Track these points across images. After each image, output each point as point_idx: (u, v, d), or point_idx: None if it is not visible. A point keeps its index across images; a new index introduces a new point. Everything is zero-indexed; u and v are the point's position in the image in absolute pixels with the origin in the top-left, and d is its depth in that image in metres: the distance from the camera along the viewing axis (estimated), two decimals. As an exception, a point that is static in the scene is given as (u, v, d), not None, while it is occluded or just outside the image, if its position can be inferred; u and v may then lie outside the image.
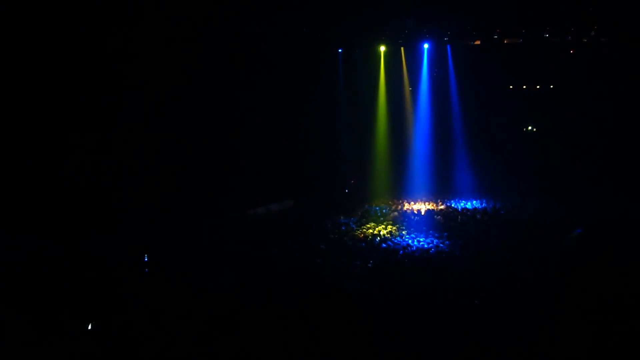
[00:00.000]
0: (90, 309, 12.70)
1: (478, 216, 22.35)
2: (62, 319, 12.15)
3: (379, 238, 19.63)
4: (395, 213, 23.44)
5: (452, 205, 24.66)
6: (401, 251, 17.93)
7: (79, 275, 14.58)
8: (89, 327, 11.69)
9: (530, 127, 28.96)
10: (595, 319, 11.67)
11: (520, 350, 10.85)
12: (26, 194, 16.68)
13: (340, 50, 27.43)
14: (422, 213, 23.35)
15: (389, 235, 20.09)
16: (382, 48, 27.37)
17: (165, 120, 20.45)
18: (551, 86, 28.03)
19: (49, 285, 13.80)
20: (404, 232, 20.50)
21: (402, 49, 27.67)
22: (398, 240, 19.36)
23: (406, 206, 24.93)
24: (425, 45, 26.77)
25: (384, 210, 23.97)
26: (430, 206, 24.73)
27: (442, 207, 24.56)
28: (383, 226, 21.32)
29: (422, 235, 19.93)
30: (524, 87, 28.48)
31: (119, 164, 19.10)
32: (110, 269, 15.22)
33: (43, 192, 16.95)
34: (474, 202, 25.05)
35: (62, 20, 17.03)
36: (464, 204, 24.74)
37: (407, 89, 28.83)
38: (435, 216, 22.59)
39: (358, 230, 21.00)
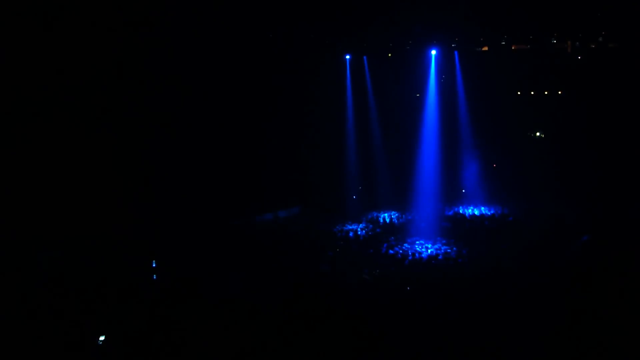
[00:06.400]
0: (97, 314, 12.82)
1: (486, 222, 22.27)
2: (68, 324, 12.26)
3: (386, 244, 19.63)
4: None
5: (460, 212, 24.59)
6: (409, 257, 17.91)
7: (86, 280, 14.74)
8: (100, 341, 11.76)
9: (538, 133, 28.85)
10: (601, 323, 11.66)
11: (526, 353, 10.89)
12: (29, 195, 16.86)
13: (348, 57, 27.51)
14: (430, 219, 23.29)
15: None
16: (390, 54, 27.43)
17: (173, 126, 20.59)
18: (559, 92, 27.92)
19: (53, 288, 13.96)
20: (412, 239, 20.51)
21: (409, 55, 27.68)
22: (406, 247, 19.35)
23: (414, 213, 24.89)
24: (433, 52, 26.78)
25: (392, 216, 23.99)
26: (439, 212, 24.65)
27: (450, 213, 24.49)
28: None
29: (429, 242, 19.91)
30: (532, 92, 28.39)
31: (127, 168, 19.24)
32: (118, 274, 15.35)
33: (46, 194, 17.09)
34: (482, 208, 24.98)
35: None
36: (472, 211, 24.67)
37: (415, 95, 28.81)
38: (443, 223, 22.54)
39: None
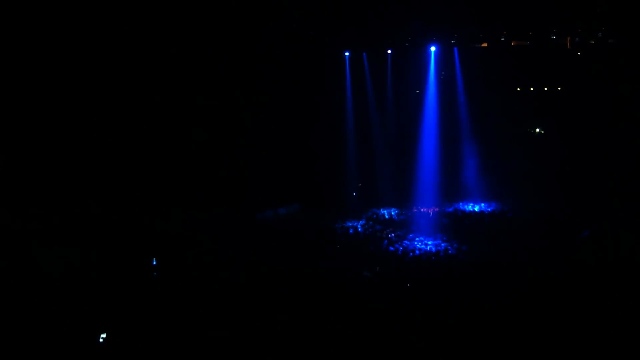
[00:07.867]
0: (99, 311, 12.84)
1: (486, 219, 22.28)
2: (69, 321, 12.28)
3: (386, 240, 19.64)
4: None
5: (460, 208, 24.59)
6: (410, 254, 17.94)
7: (87, 277, 14.76)
8: (100, 339, 11.78)
9: (537, 129, 28.83)
10: (601, 319, 11.71)
11: (526, 350, 10.94)
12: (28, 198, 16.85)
13: (347, 54, 27.48)
14: (430, 215, 23.30)
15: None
16: (389, 51, 27.39)
17: (173, 124, 20.58)
18: (559, 88, 27.87)
19: (54, 286, 13.99)
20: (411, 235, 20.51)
21: (409, 51, 27.63)
22: (406, 244, 19.35)
23: (414, 209, 24.90)
24: (433, 48, 26.73)
25: (392, 213, 24.01)
26: (438, 209, 24.64)
27: (450, 210, 24.49)
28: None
29: (430, 239, 19.92)
30: (531, 89, 28.35)
31: (128, 166, 19.25)
32: (118, 271, 15.37)
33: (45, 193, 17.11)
34: (482, 204, 24.97)
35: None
36: (472, 207, 24.67)
37: (415, 92, 28.77)
38: (443, 219, 22.55)
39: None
